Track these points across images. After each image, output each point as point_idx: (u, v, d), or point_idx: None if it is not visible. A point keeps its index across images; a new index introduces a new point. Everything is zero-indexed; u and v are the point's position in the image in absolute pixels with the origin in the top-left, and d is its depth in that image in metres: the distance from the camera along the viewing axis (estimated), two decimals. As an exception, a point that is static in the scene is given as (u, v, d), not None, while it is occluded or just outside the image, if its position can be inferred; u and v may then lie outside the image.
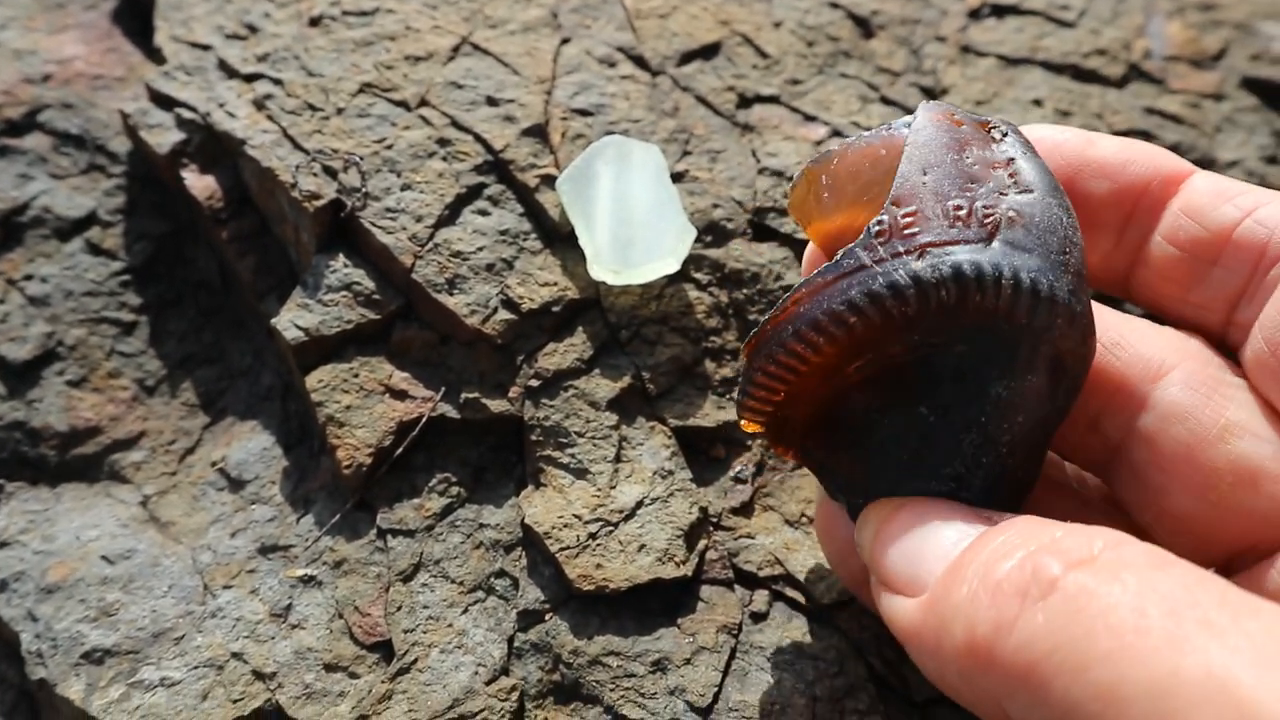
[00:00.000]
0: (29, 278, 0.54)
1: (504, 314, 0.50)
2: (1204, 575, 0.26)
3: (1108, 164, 0.38)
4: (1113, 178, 0.38)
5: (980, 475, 0.35)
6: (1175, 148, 0.62)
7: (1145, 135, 0.62)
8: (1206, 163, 0.62)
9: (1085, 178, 0.39)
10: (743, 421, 0.38)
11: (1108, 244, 0.39)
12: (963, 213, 0.34)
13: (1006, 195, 0.35)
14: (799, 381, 0.35)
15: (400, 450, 0.48)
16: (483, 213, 0.53)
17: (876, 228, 0.34)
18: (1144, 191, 0.38)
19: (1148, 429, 0.36)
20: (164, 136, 0.55)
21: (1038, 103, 0.63)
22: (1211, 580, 0.26)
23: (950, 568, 0.30)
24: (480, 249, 0.51)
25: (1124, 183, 0.38)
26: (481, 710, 0.43)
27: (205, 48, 0.58)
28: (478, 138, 0.55)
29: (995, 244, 0.33)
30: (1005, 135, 0.37)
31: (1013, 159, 0.36)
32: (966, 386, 0.34)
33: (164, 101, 0.56)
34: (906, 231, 0.34)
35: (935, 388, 0.34)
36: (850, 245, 0.34)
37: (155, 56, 0.60)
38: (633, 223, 0.51)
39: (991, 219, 0.34)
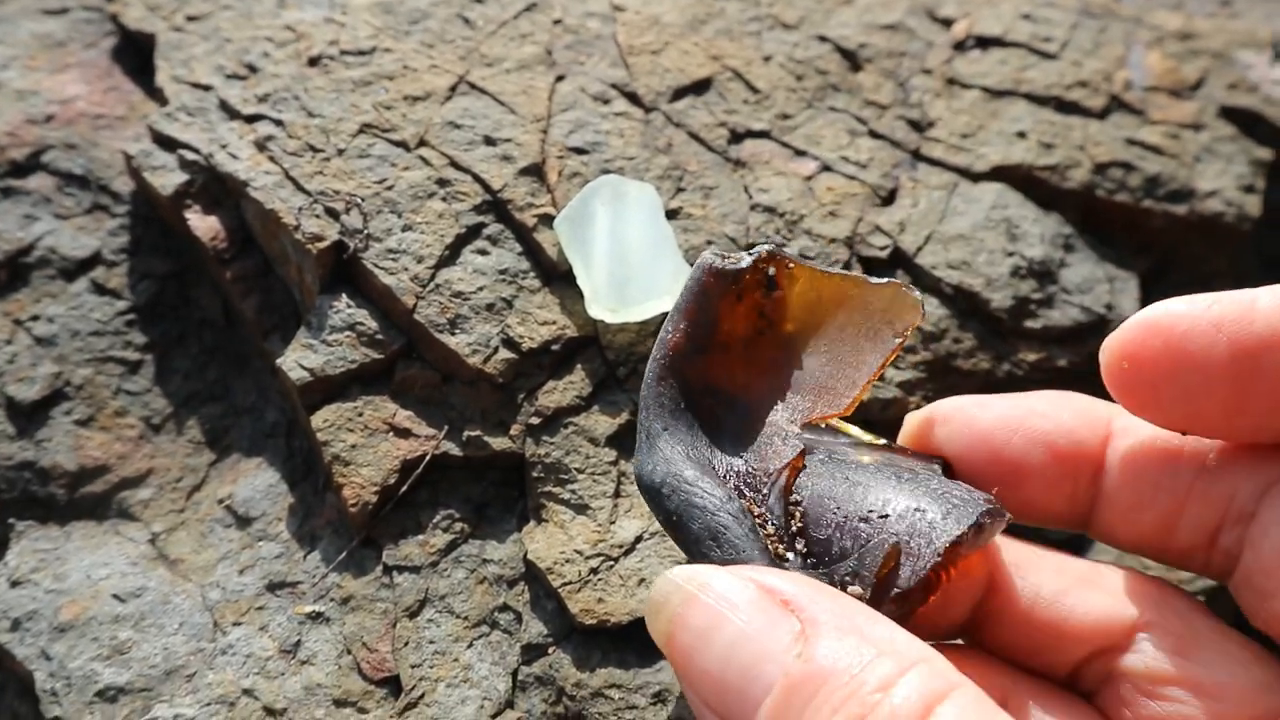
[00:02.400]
0: (36, 318, 0.55)
1: (505, 353, 0.51)
2: None
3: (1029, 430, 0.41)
4: (1047, 444, 0.40)
5: None
6: (1156, 178, 0.64)
7: (1126, 166, 0.64)
8: (1186, 193, 0.64)
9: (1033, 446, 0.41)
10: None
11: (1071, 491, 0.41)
12: None
13: None
14: None
15: (405, 488, 0.50)
16: (482, 252, 0.54)
17: None
18: (1087, 454, 0.40)
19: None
20: (167, 178, 0.56)
21: (1021, 135, 0.64)
22: None
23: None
24: (480, 289, 0.53)
25: (1061, 448, 0.40)
26: (488, 744, 0.44)
27: (206, 88, 0.59)
28: (476, 177, 0.56)
29: None
30: None
31: None
32: None
33: (167, 143, 0.57)
34: None
35: None
36: None
37: (156, 96, 0.61)
38: (629, 262, 0.52)
39: None
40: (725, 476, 0.40)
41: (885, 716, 0.27)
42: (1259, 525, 0.37)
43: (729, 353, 0.42)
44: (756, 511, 0.38)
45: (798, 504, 0.39)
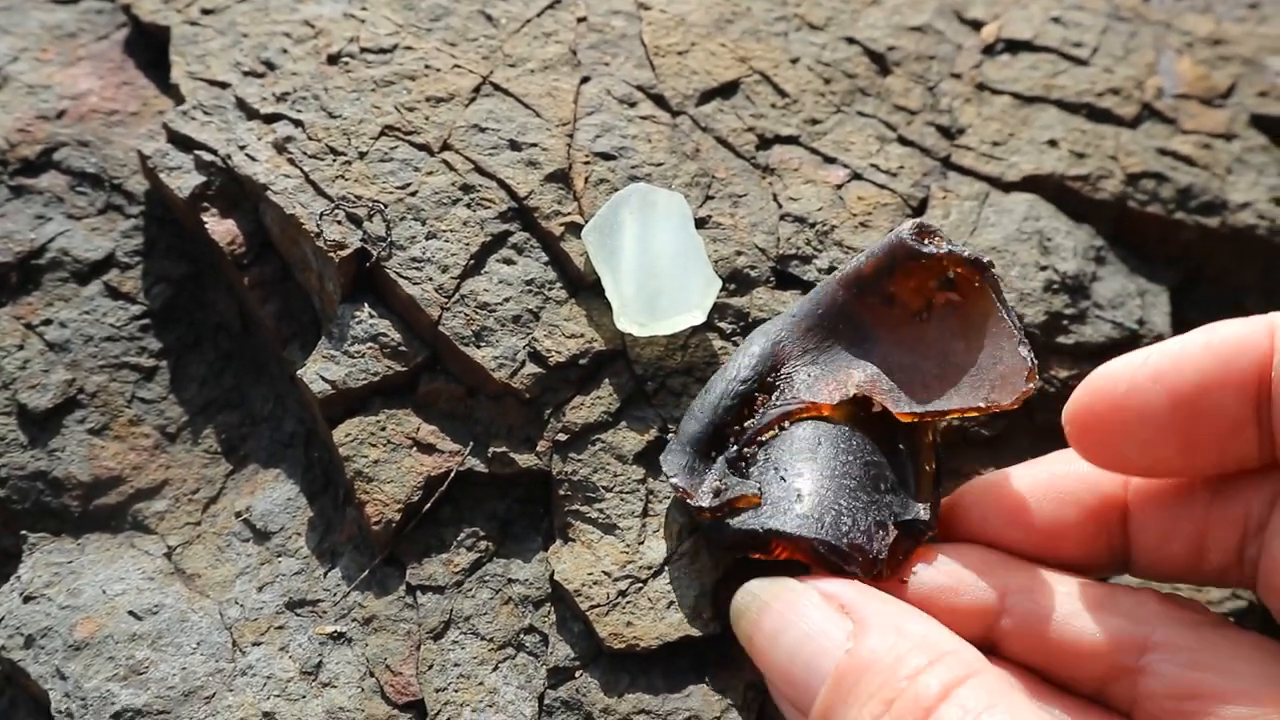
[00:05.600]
0: (48, 322, 0.54)
1: (531, 367, 0.50)
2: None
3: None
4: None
5: None
6: (1188, 190, 0.63)
7: (1159, 177, 0.63)
8: (1219, 205, 0.63)
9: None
10: None
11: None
12: None
13: None
14: None
15: (428, 505, 0.49)
16: (508, 261, 0.53)
17: None
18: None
19: None
20: (184, 180, 0.55)
21: (1053, 143, 0.63)
22: None
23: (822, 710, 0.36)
24: (506, 300, 0.51)
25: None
26: (515, 772, 0.44)
27: (223, 85, 0.58)
28: (501, 183, 0.54)
29: None
30: None
31: None
32: None
33: (183, 143, 0.56)
34: None
35: None
36: None
37: (171, 92, 0.60)
38: (658, 274, 0.51)
39: None
40: (785, 373, 0.47)
41: (910, 698, 0.33)
42: (1271, 530, 0.40)
43: (888, 312, 0.47)
44: (759, 399, 0.47)
45: (785, 428, 0.46)
